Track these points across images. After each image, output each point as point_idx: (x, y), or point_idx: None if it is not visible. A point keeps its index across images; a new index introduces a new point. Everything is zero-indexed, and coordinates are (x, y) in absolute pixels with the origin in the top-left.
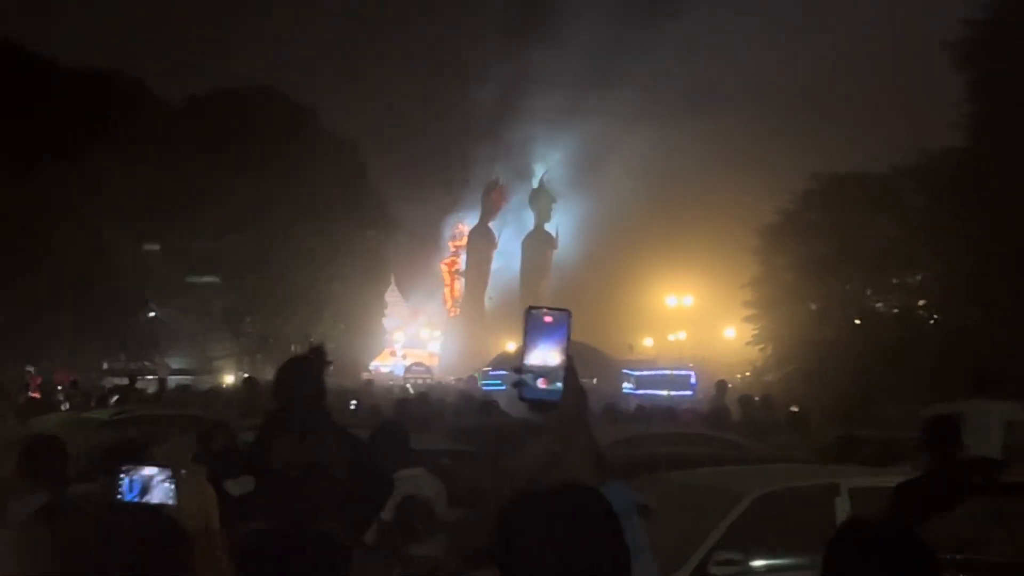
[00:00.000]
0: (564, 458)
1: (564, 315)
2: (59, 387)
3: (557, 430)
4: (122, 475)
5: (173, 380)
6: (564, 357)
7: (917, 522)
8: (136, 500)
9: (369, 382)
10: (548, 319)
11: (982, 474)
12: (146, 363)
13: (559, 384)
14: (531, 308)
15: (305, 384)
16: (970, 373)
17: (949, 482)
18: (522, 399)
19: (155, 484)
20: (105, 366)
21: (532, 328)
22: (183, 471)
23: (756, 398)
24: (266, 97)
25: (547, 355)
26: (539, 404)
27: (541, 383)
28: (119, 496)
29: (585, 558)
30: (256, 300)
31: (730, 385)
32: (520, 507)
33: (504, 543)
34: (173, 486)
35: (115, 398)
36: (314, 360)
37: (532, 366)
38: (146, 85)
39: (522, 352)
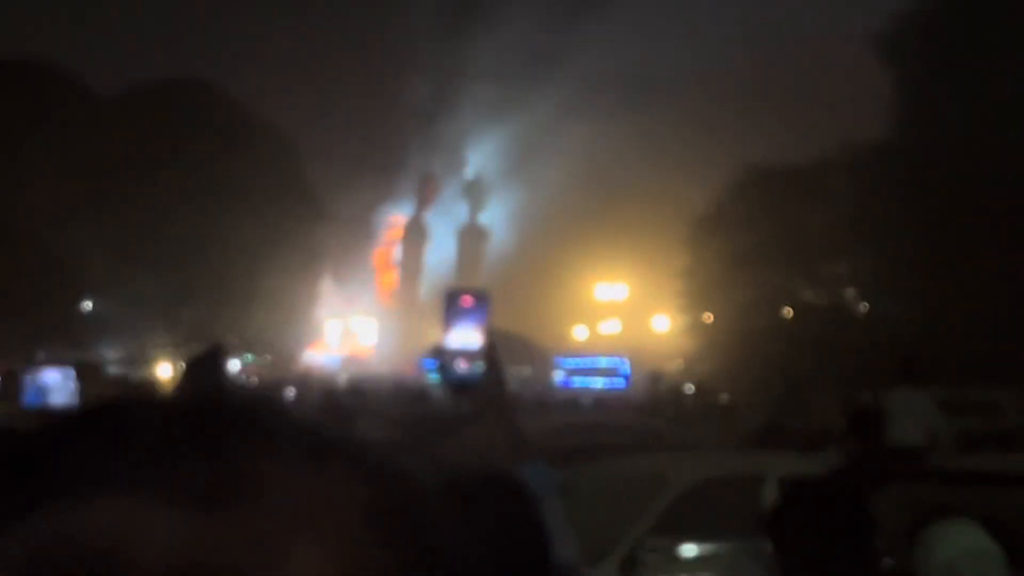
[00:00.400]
0: (485, 439)
1: (484, 297)
2: None
3: (478, 411)
4: (25, 378)
5: (110, 371)
6: (484, 339)
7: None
8: (37, 403)
9: (307, 372)
10: (467, 302)
11: (904, 463)
12: (82, 354)
13: (480, 366)
14: (450, 292)
15: (204, 382)
16: (896, 362)
17: (870, 471)
18: (443, 381)
19: (56, 385)
20: (42, 356)
21: (452, 311)
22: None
23: (686, 387)
24: (200, 90)
25: (467, 337)
26: (460, 385)
27: (462, 365)
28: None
29: (504, 542)
30: (192, 291)
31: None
32: (444, 495)
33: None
34: (75, 386)
35: None
36: (214, 357)
37: (452, 348)
38: (79, 78)
39: (443, 335)
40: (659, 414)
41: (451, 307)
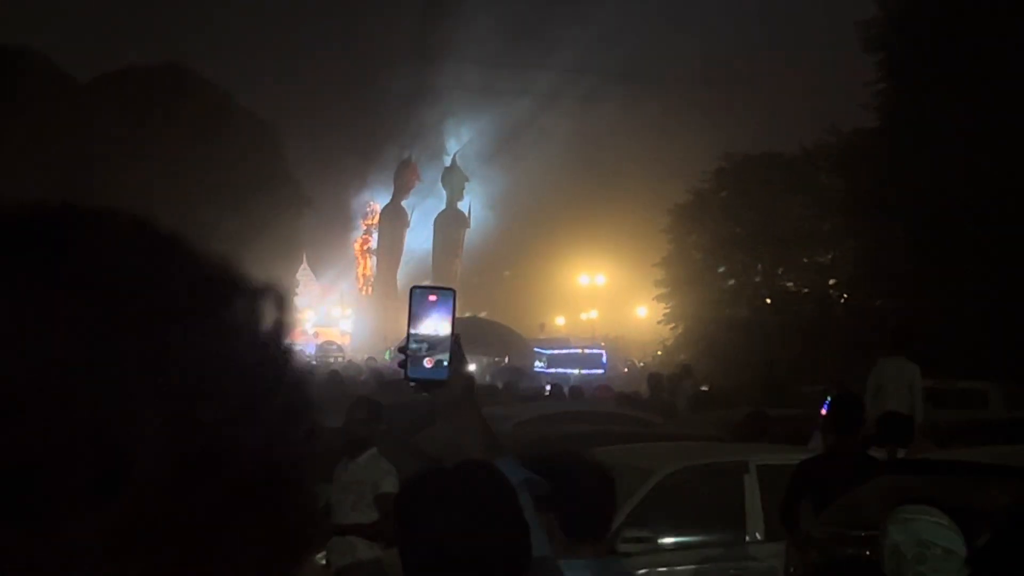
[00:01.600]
0: (455, 436)
1: (449, 294)
2: None
3: (445, 408)
4: None
5: None
6: (450, 335)
7: (819, 500)
8: None
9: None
10: (432, 298)
11: (893, 436)
12: None
13: (446, 363)
14: (415, 288)
15: None
16: (887, 334)
17: (850, 460)
18: (408, 379)
19: None
20: None
21: (417, 308)
22: None
23: (665, 376)
24: (178, 75)
25: (432, 334)
26: (426, 383)
27: (427, 362)
28: None
29: (482, 534)
30: None
31: (641, 364)
32: (416, 486)
33: (401, 523)
34: None
35: None
36: None
37: (417, 348)
38: (54, 62)
39: (407, 332)
40: (640, 403)
41: (416, 304)
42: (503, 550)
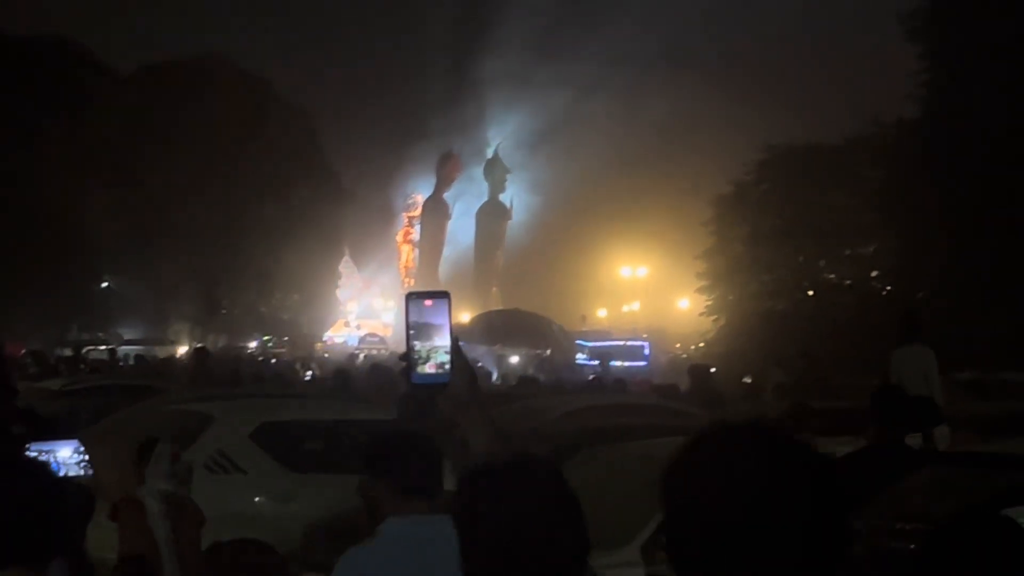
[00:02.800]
0: (463, 439)
1: (444, 297)
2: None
3: (452, 410)
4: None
5: (127, 350)
6: (449, 338)
7: (863, 492)
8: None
9: (325, 353)
10: (428, 303)
11: (917, 420)
12: (99, 334)
13: (447, 366)
14: (410, 294)
15: None
16: (901, 320)
17: (894, 453)
18: (411, 384)
19: (67, 461)
20: (68, 336)
21: (414, 314)
22: (97, 445)
23: (712, 369)
24: (219, 67)
25: (432, 339)
26: (430, 388)
27: (429, 367)
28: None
29: (545, 527)
30: (211, 271)
31: (684, 356)
32: (475, 481)
33: (463, 518)
34: (84, 459)
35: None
36: None
37: (418, 353)
38: (96, 54)
39: (406, 339)
40: (681, 396)
41: (413, 310)
42: (565, 542)
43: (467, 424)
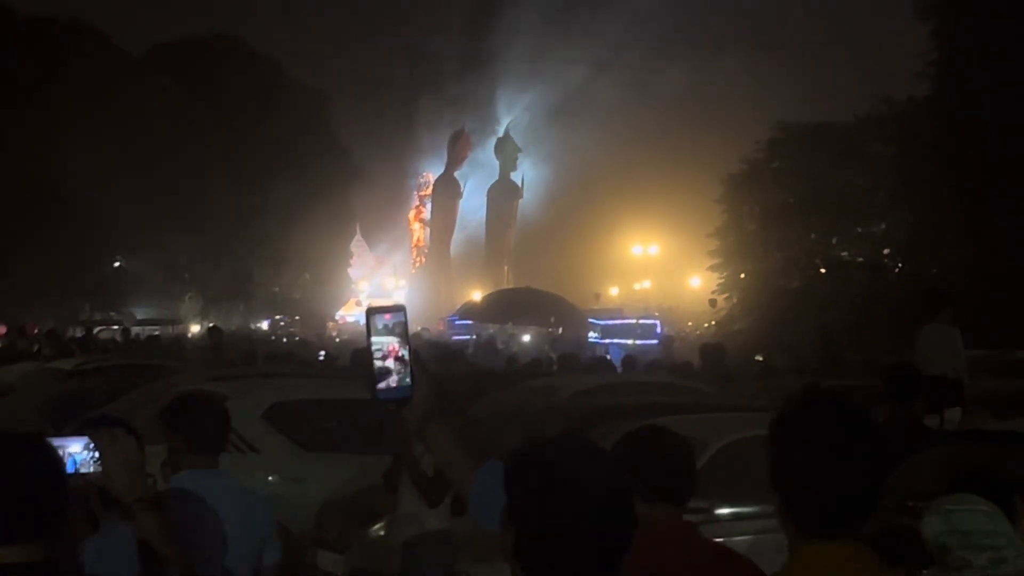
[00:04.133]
0: (431, 448)
1: (400, 311)
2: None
3: (416, 424)
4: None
5: (139, 330)
6: (408, 350)
7: None
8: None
9: (335, 334)
10: (387, 317)
11: (938, 400)
12: (111, 313)
13: (408, 379)
14: (369, 310)
15: None
16: (924, 299)
17: (907, 431)
18: (377, 400)
19: (80, 454)
20: (86, 313)
21: (373, 329)
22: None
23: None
24: (231, 47)
25: (392, 352)
26: (395, 401)
27: (392, 381)
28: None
29: (594, 508)
30: (224, 250)
31: (697, 333)
32: (521, 462)
33: (519, 496)
34: (95, 455)
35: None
36: None
37: (380, 367)
38: (107, 34)
39: (367, 355)
40: (693, 374)
41: (373, 326)
42: (613, 523)
43: (431, 436)
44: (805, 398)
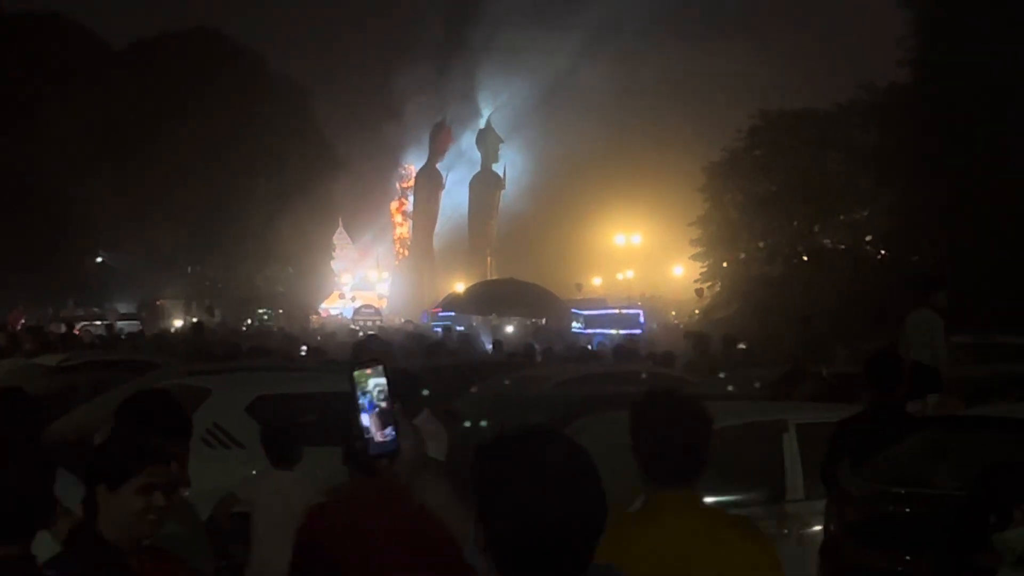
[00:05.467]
0: (423, 497)
1: (380, 367)
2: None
3: (404, 475)
4: None
5: (122, 325)
6: (390, 405)
7: (859, 458)
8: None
9: (321, 326)
10: (368, 371)
11: (918, 386)
12: (95, 309)
13: (393, 433)
14: (351, 371)
15: None
16: (913, 285)
17: (890, 418)
18: (367, 456)
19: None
20: (70, 306)
21: (357, 388)
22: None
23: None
24: (211, 40)
25: (376, 408)
26: (383, 456)
27: (378, 436)
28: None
29: (568, 500)
30: (206, 244)
31: (680, 324)
32: (494, 453)
33: (482, 491)
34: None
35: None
36: None
37: (366, 425)
38: (88, 28)
39: (353, 414)
40: (676, 363)
41: (357, 386)
42: (587, 514)
43: (422, 491)
44: (652, 393)
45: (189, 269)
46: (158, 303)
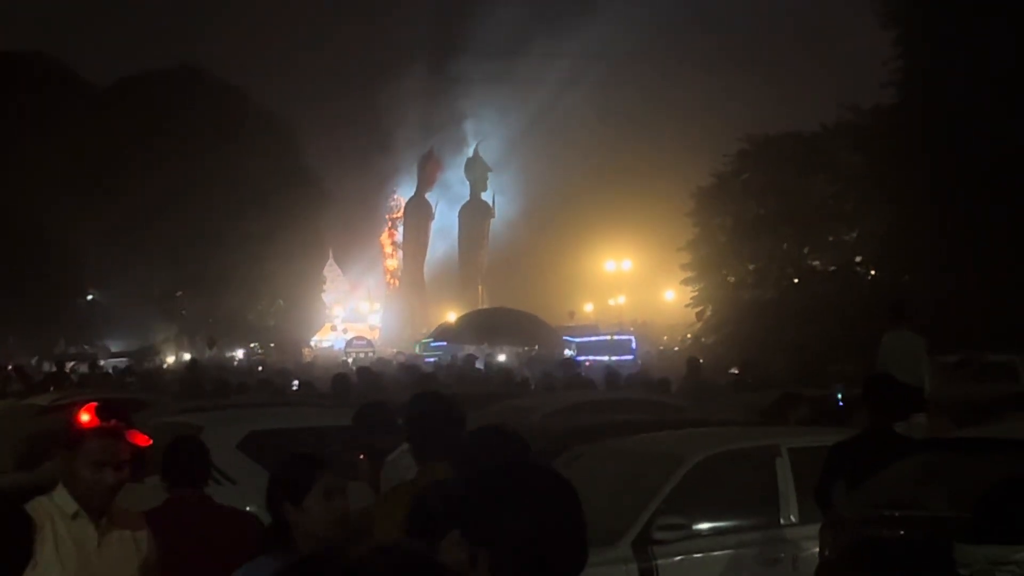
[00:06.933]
0: None
1: None
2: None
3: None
4: None
5: (112, 363)
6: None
7: (854, 481)
8: None
9: (311, 360)
10: None
11: (905, 412)
12: (85, 347)
13: None
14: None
15: None
16: (890, 306)
17: (884, 440)
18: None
19: None
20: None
21: None
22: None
23: (700, 360)
24: (195, 77)
25: None
26: None
27: None
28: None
29: (555, 532)
30: (195, 280)
31: (675, 348)
32: (487, 486)
33: (480, 521)
34: None
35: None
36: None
37: None
38: (70, 67)
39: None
40: (670, 389)
41: None
42: (572, 546)
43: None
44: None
45: (184, 312)
46: (153, 345)
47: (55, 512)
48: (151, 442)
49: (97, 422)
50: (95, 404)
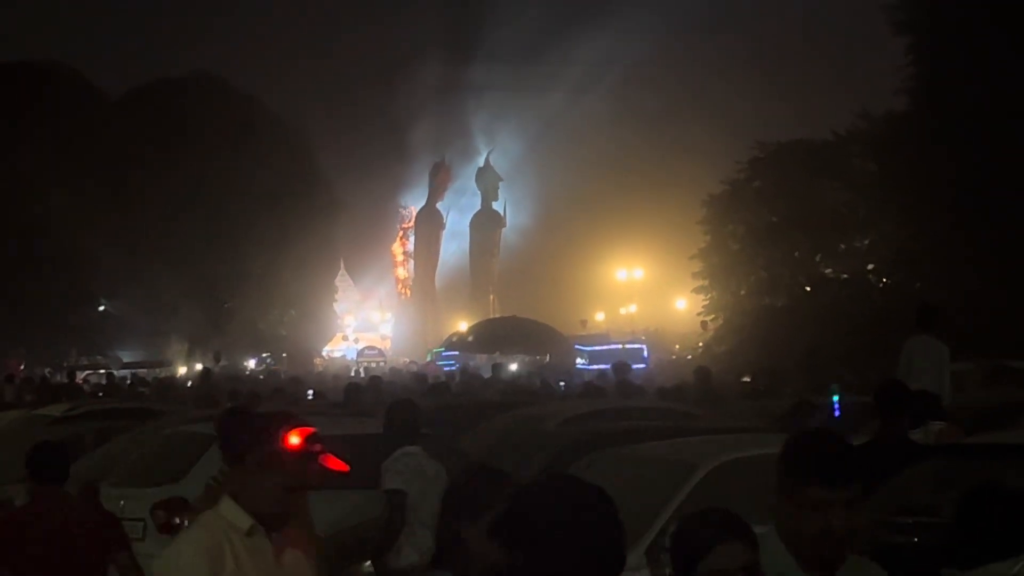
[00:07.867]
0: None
1: None
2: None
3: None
4: None
5: (125, 373)
6: None
7: (866, 488)
8: None
9: (323, 370)
10: None
11: (921, 414)
12: (98, 357)
13: None
14: None
15: None
16: (916, 311)
17: (897, 447)
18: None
19: None
20: (67, 361)
21: None
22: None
23: (710, 369)
24: (208, 85)
25: None
26: None
27: None
28: None
29: (581, 533)
30: (208, 289)
31: (688, 356)
32: (527, 500)
33: (520, 535)
34: None
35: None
36: None
37: None
38: (86, 78)
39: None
40: (684, 397)
41: None
42: (612, 555)
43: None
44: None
45: (196, 321)
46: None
47: (227, 527)
48: (348, 468)
49: (305, 447)
50: (308, 430)
